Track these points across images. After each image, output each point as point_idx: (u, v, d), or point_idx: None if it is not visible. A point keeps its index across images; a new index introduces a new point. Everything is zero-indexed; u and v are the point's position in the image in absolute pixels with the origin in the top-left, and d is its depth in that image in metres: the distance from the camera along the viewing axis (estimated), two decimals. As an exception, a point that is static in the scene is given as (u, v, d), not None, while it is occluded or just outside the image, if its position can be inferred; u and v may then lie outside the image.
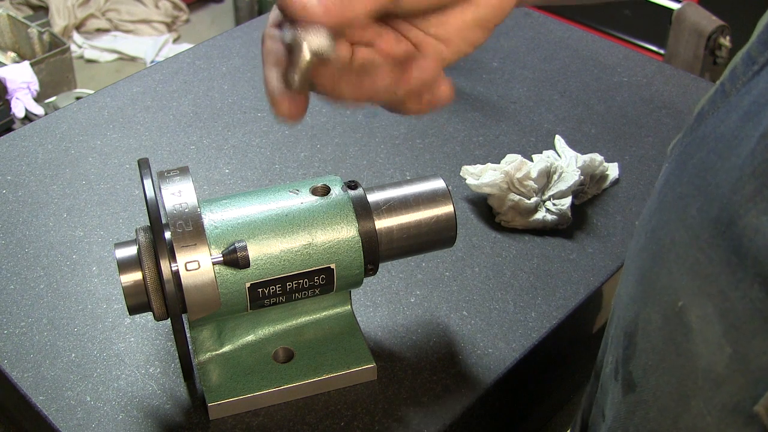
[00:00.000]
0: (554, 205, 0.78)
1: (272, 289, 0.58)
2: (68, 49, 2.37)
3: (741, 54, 0.38)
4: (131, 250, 0.57)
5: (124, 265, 0.56)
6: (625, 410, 0.42)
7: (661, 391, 0.39)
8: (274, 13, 0.45)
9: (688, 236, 0.36)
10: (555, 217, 0.77)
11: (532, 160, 0.81)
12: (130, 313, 0.57)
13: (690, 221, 0.36)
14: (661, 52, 1.75)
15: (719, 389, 0.34)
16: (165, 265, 0.53)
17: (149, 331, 0.67)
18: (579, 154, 0.83)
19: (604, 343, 0.49)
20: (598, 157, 0.83)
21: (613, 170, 0.85)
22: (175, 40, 2.96)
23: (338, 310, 0.66)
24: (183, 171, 0.58)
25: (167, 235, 0.55)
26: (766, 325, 0.31)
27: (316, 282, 0.59)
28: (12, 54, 2.38)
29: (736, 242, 0.33)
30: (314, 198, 0.59)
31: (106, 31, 2.93)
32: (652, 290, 0.40)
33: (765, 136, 0.33)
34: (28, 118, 2.14)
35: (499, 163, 0.80)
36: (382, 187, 0.62)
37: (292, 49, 0.42)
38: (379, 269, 0.61)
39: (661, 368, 0.39)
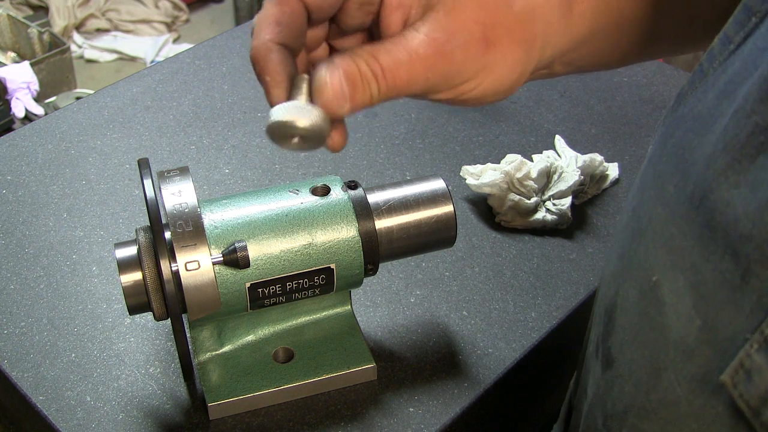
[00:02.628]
0: (554, 205, 0.78)
1: (272, 289, 0.58)
2: (68, 49, 2.37)
3: (719, 35, 0.39)
4: (131, 250, 0.57)
5: (124, 265, 0.56)
6: (604, 386, 0.43)
7: (635, 365, 0.40)
8: (270, 27, 0.43)
9: (665, 212, 0.37)
10: (555, 217, 0.77)
11: (532, 160, 0.81)
12: (130, 313, 0.57)
13: (667, 198, 0.37)
14: (661, 52, 1.75)
15: (689, 361, 0.35)
16: (165, 265, 0.53)
17: (149, 331, 0.67)
18: (579, 154, 0.83)
19: (589, 323, 0.50)
20: (598, 157, 0.83)
21: (613, 170, 0.85)
22: (175, 40, 2.96)
23: (338, 310, 0.66)
24: (183, 171, 0.58)
25: (167, 235, 0.55)
26: (734, 295, 0.32)
27: (316, 282, 0.59)
28: (12, 54, 2.38)
29: (708, 216, 0.34)
30: (314, 198, 0.59)
31: (106, 31, 2.94)
32: (630, 266, 0.41)
33: (737, 111, 0.33)
34: (28, 118, 2.14)
35: (499, 163, 0.80)
36: (382, 187, 0.62)
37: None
38: (379, 269, 0.61)
39: (636, 343, 0.40)
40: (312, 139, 0.42)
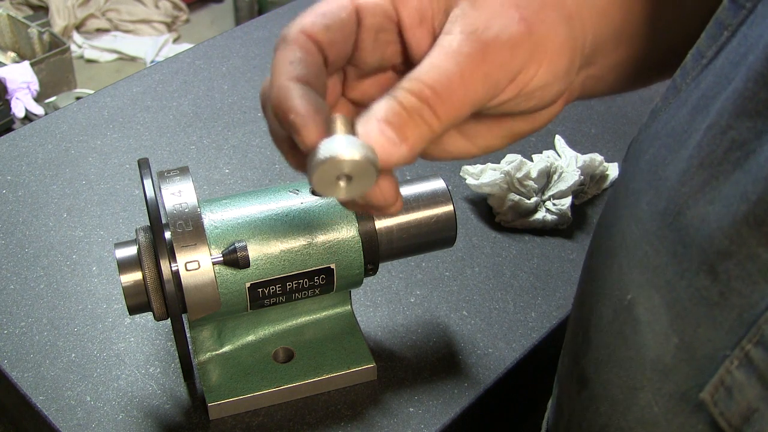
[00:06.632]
0: (554, 205, 0.78)
1: (272, 289, 0.58)
2: (68, 49, 2.37)
3: (691, 50, 0.38)
4: (131, 250, 0.57)
5: (124, 265, 0.56)
6: (579, 406, 0.43)
7: (611, 385, 0.39)
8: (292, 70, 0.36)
9: (639, 230, 0.37)
10: (555, 217, 0.77)
11: (532, 160, 0.81)
12: (130, 313, 0.57)
13: (640, 215, 0.37)
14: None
15: (666, 379, 0.35)
16: (165, 265, 0.53)
17: (149, 331, 0.67)
18: (579, 154, 0.83)
19: (564, 343, 0.50)
20: (598, 157, 0.83)
21: (613, 170, 0.85)
22: (175, 40, 2.96)
23: (338, 310, 0.66)
24: (183, 171, 0.58)
25: (167, 235, 0.55)
26: (711, 312, 0.32)
27: (316, 282, 0.59)
28: (12, 54, 2.38)
29: (682, 233, 0.33)
30: (314, 198, 0.59)
31: (106, 31, 2.94)
32: (604, 285, 0.40)
33: (711, 126, 0.33)
34: (28, 118, 2.14)
35: (499, 163, 0.80)
36: (382, 187, 0.61)
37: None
38: (379, 269, 0.61)
39: (611, 362, 0.39)
40: (360, 177, 0.34)
